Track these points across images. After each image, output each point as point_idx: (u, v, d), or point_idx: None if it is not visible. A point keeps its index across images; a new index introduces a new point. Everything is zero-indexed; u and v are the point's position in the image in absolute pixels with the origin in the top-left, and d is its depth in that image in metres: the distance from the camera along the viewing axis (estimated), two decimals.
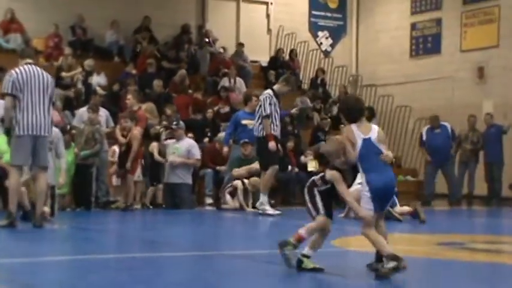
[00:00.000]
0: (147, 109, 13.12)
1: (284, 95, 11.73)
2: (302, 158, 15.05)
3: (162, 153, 12.72)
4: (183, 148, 12.69)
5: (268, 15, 20.16)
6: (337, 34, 20.80)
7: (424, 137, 15.41)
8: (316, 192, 5.24)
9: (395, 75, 19.16)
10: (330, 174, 5.15)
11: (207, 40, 18.43)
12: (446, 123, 15.37)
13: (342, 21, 20.87)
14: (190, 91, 16.28)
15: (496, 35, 17.22)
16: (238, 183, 12.47)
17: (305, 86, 19.39)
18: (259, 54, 19.47)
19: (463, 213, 14.27)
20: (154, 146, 12.69)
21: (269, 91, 11.29)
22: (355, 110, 5.18)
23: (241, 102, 15.23)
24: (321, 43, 20.60)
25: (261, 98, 11.18)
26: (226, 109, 15.56)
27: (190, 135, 13.38)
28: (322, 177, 5.25)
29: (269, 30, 20.17)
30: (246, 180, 12.48)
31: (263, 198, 11.21)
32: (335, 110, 17.65)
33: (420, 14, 19.10)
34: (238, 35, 19.59)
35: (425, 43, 18.96)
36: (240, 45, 18.80)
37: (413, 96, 18.49)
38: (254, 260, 6.08)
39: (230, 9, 19.67)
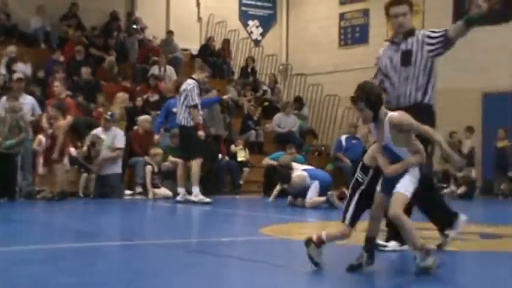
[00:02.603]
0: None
1: (205, 83, 11.87)
2: (232, 147, 15.11)
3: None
4: (110, 138, 12.57)
5: (198, 4, 20.08)
6: (267, 23, 20.91)
7: (344, 145, 15.75)
8: (357, 194, 4.78)
9: (324, 64, 19.40)
10: (368, 157, 4.75)
11: (136, 27, 18.23)
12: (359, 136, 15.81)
13: (272, 10, 20.98)
14: (119, 79, 16.10)
15: (421, 26, 17.59)
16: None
17: (235, 75, 19.44)
18: (190, 42, 19.39)
19: None
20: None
21: (192, 81, 11.30)
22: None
23: (171, 90, 15.19)
24: (252, 32, 20.66)
25: (188, 87, 11.16)
26: (156, 97, 15.47)
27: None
28: (363, 167, 4.83)
29: (199, 19, 20.11)
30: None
31: (195, 191, 11.24)
32: (267, 98, 17.81)
33: (348, 4, 19.38)
34: (168, 23, 19.45)
35: (354, 33, 19.26)
36: (169, 33, 18.68)
37: (341, 86, 18.73)
38: (181, 249, 6.09)
39: None
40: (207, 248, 5.77)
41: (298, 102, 18.39)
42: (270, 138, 16.75)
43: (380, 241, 5.46)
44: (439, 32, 5.69)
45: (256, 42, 20.67)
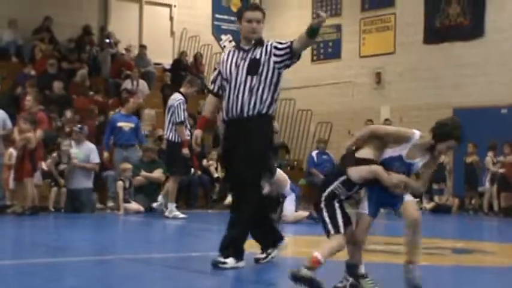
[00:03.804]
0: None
1: (189, 97, 11.79)
2: (204, 161, 15.09)
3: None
4: (83, 153, 12.48)
5: (171, 18, 20.09)
6: (240, 37, 20.94)
7: (315, 160, 15.82)
8: (336, 205, 4.51)
9: (297, 79, 19.44)
10: (368, 171, 4.46)
11: (108, 42, 18.19)
12: (329, 152, 15.93)
13: None
14: (91, 93, 16.03)
15: (392, 42, 17.83)
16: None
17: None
18: (163, 56, 19.38)
19: None
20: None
21: (180, 95, 11.15)
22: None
23: (142, 105, 15.21)
24: (225, 46, 20.70)
25: (174, 103, 11.02)
26: None
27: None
28: (345, 182, 4.52)
29: (172, 33, 20.11)
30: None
31: (171, 207, 11.21)
32: None
33: None
34: (141, 37, 19.44)
35: (326, 48, 19.39)
36: (142, 47, 18.66)
37: (314, 100, 18.87)
38: (153, 264, 6.06)
39: (133, 11, 19.49)
40: (179, 263, 5.74)
41: None
42: None
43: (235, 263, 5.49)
44: (286, 43, 5.66)
45: None
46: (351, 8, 18.79)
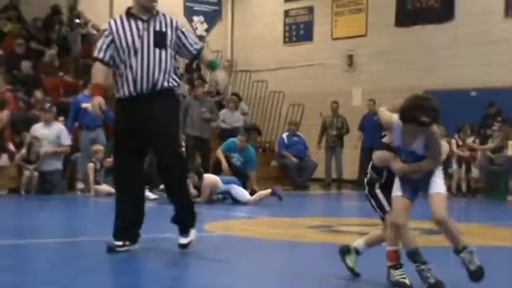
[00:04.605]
0: None
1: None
2: None
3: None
4: (53, 134, 12.33)
5: None
6: (212, 19, 20.83)
7: (286, 142, 15.84)
8: (378, 190, 4.45)
9: (269, 61, 19.45)
10: (378, 157, 4.40)
11: (78, 22, 17.95)
12: (300, 134, 16.06)
13: (217, 6, 20.90)
14: (60, 73, 15.83)
15: (364, 24, 17.85)
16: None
17: (180, 71, 19.31)
18: None
19: (334, 198, 14.76)
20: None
21: None
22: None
23: (108, 86, 14.98)
24: (196, 28, 20.55)
25: None
26: None
27: (61, 118, 13.04)
28: (373, 167, 4.47)
29: None
30: None
31: None
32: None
33: (293, 1, 19.46)
34: (112, 17, 19.18)
35: (298, 30, 19.35)
36: None
37: (286, 82, 18.85)
38: None
39: None
40: (150, 245, 5.71)
41: (237, 96, 18.37)
42: (214, 134, 16.70)
43: None
44: (198, 44, 5.71)
45: (201, 38, 20.54)
46: None
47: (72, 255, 5.54)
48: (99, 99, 5.47)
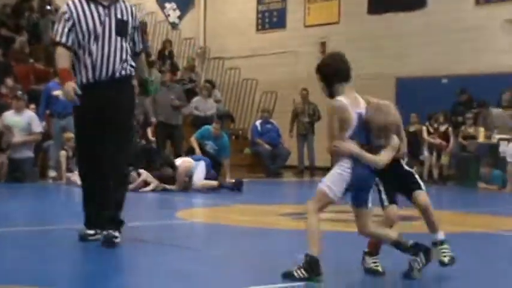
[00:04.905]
0: None
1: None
2: (148, 130, 14.91)
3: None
4: (24, 122, 12.20)
5: None
6: (184, 6, 20.65)
7: (259, 130, 15.86)
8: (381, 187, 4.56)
9: (242, 48, 19.41)
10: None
11: (49, 8, 17.74)
12: (273, 121, 16.10)
13: None
14: (31, 60, 15.65)
15: (336, 12, 17.87)
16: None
17: (153, 58, 19.19)
18: None
19: (307, 185, 14.81)
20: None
21: None
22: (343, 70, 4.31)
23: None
24: (169, 15, 20.38)
25: None
26: None
27: (32, 106, 12.91)
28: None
29: None
30: None
31: None
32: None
33: None
34: None
35: (271, 17, 19.33)
36: None
37: (259, 70, 18.83)
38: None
39: None
40: (122, 233, 5.69)
41: (210, 83, 18.32)
42: (187, 121, 16.65)
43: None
44: (139, 43, 5.65)
45: (174, 26, 20.42)
46: None
47: (43, 244, 5.50)
48: (71, 84, 5.33)
